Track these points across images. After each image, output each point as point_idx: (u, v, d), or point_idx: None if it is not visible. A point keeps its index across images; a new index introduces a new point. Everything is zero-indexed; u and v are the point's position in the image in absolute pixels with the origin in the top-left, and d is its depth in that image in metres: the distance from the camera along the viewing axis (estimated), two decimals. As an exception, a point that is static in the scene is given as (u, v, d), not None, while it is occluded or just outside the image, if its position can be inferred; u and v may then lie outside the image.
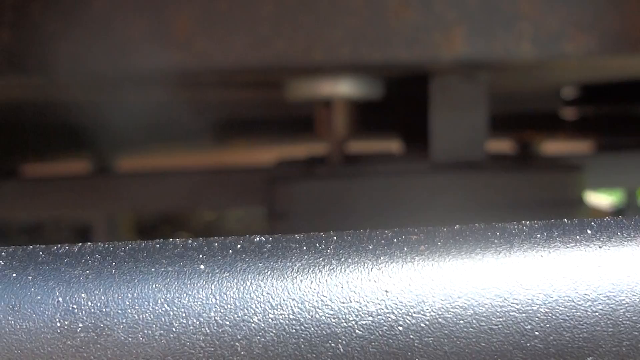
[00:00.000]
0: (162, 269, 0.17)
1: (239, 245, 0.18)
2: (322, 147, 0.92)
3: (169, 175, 1.03)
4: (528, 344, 0.16)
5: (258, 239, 0.18)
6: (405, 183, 0.65)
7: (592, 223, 0.18)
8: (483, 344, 0.16)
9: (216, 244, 0.18)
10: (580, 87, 1.10)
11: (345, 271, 0.17)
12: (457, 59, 0.55)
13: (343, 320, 0.16)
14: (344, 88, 0.67)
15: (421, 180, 0.65)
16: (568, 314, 0.16)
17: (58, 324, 0.16)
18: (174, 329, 0.16)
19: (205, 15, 0.53)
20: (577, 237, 0.17)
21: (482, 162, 0.68)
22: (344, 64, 0.54)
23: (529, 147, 1.34)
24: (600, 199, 1.48)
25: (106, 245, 0.18)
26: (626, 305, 0.15)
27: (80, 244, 0.18)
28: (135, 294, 0.16)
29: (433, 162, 0.68)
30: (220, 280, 0.17)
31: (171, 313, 0.16)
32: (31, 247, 0.18)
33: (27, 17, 0.53)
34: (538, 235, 0.17)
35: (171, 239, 0.18)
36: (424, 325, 0.16)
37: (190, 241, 0.18)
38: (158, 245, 0.18)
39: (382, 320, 0.16)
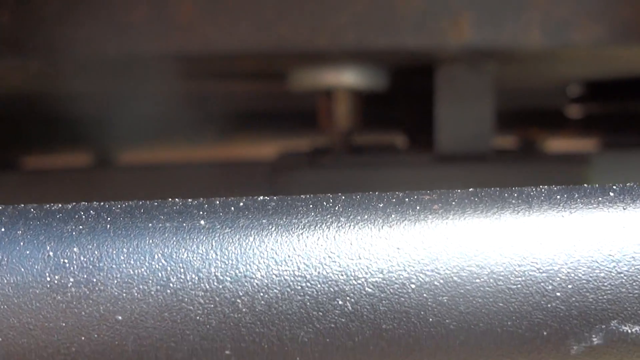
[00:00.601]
0: (160, 225, 0.16)
1: (241, 204, 0.17)
2: (325, 140, 0.91)
3: (170, 169, 1.02)
4: (549, 305, 0.15)
5: (262, 198, 0.17)
6: (409, 174, 0.64)
7: (614, 187, 0.17)
8: (501, 304, 0.15)
9: (217, 202, 0.17)
10: (586, 84, 1.09)
11: (354, 228, 0.16)
12: (465, 46, 0.54)
13: (352, 277, 0.15)
14: (348, 78, 0.66)
15: (426, 172, 0.64)
16: (591, 275, 0.15)
17: (48, 279, 0.15)
18: (171, 285, 0.15)
19: (209, 0, 0.52)
20: (600, 199, 0.16)
21: (488, 155, 0.67)
22: (349, 50, 0.53)
23: (533, 144, 1.33)
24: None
25: (102, 203, 0.17)
26: (652, 267, 0.14)
27: (74, 203, 0.17)
28: (130, 249, 0.15)
29: (438, 153, 0.67)
30: (221, 236, 0.16)
31: (168, 268, 0.15)
32: (22, 205, 0.17)
33: (27, 0, 0.52)
34: (558, 197, 0.16)
35: (170, 199, 0.17)
36: (437, 284, 0.15)
37: (190, 200, 0.17)
38: (156, 204, 0.17)
39: (394, 278, 0.15)
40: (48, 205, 0.17)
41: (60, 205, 0.17)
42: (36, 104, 1.04)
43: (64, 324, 0.14)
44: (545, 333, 0.15)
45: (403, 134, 0.81)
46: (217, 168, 1.01)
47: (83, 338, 0.14)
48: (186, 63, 0.59)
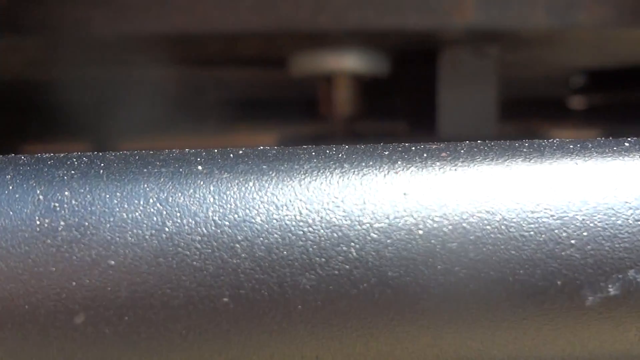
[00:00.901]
0: (155, 170, 0.15)
1: (240, 152, 0.16)
2: (326, 127, 0.90)
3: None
4: (563, 253, 0.14)
5: (262, 147, 0.16)
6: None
7: (630, 139, 0.16)
8: (513, 252, 0.14)
9: (216, 150, 0.16)
10: (589, 74, 1.08)
11: (358, 174, 0.15)
12: (469, 26, 0.53)
13: (356, 223, 0.14)
14: (350, 62, 0.65)
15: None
16: (608, 222, 0.14)
17: (37, 222, 0.14)
18: (166, 229, 0.14)
19: (209, -22, 0.51)
20: (614, 148, 0.15)
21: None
22: (351, 30, 0.52)
23: (535, 134, 1.32)
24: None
25: (95, 153, 0.16)
26: (672, 216, 0.14)
27: (67, 152, 0.16)
28: (124, 193, 0.15)
29: (440, 138, 0.67)
30: (219, 181, 0.15)
31: (164, 212, 0.14)
32: (13, 154, 0.16)
33: (25, -23, 0.52)
34: (571, 147, 0.16)
35: (167, 149, 0.16)
36: (446, 230, 0.14)
37: (187, 149, 0.16)
38: (152, 152, 0.16)
39: (400, 224, 0.14)
40: (39, 154, 0.16)
41: (52, 154, 0.16)
42: (34, 92, 1.03)
43: (53, 269, 0.14)
44: (559, 282, 0.14)
45: (405, 121, 0.81)
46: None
47: (74, 283, 0.14)
48: (186, 46, 0.58)
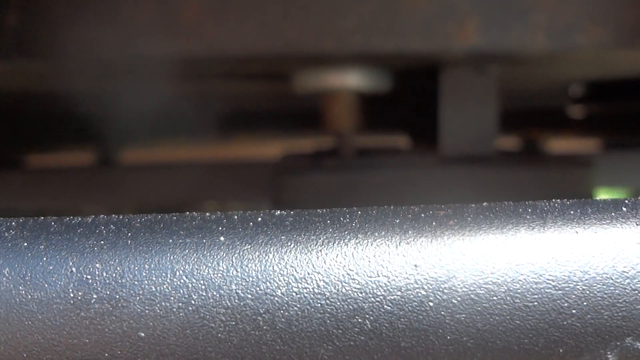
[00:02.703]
0: (180, 241, 0.16)
1: (259, 218, 0.17)
2: (328, 141, 0.91)
3: (173, 168, 1.03)
4: (565, 322, 0.15)
5: (279, 212, 0.17)
6: (413, 176, 0.64)
7: (626, 201, 0.17)
8: (517, 322, 0.15)
9: (236, 217, 0.17)
10: (588, 84, 1.09)
11: (372, 245, 0.16)
12: (470, 50, 0.54)
13: (371, 295, 0.15)
14: (352, 80, 0.66)
15: (430, 174, 0.64)
16: (606, 292, 0.15)
17: (71, 295, 0.15)
18: (192, 302, 0.15)
19: (215, 2, 0.52)
20: (613, 214, 0.16)
21: (491, 157, 0.68)
22: (355, 54, 0.53)
23: (535, 144, 1.33)
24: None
25: (121, 217, 0.17)
26: (666, 284, 0.15)
27: (93, 215, 0.17)
28: (152, 265, 0.16)
29: (442, 155, 0.68)
30: (241, 253, 0.16)
31: (190, 285, 0.15)
32: (42, 217, 0.17)
33: (35, 1, 0.52)
34: (572, 212, 0.17)
35: (188, 212, 0.17)
36: (455, 302, 0.15)
37: (208, 214, 0.17)
38: (175, 218, 0.17)
39: (412, 296, 0.15)
40: (68, 219, 0.17)
41: (80, 218, 0.17)
42: (39, 102, 1.04)
43: (87, 340, 0.15)
44: (561, 350, 0.15)
45: (407, 136, 0.82)
46: (220, 168, 1.01)
47: (106, 354, 0.15)
48: (191, 64, 0.59)
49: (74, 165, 1.08)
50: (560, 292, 0.15)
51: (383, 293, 0.15)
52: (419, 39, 0.53)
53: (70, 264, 0.16)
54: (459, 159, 0.67)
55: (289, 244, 0.16)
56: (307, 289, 0.15)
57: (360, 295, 0.15)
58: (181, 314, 0.15)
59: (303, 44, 0.53)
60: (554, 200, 0.17)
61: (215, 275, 0.15)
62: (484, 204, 0.17)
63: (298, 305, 0.15)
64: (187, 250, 0.16)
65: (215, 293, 0.15)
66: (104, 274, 0.15)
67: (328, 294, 0.15)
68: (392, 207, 0.17)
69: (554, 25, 0.54)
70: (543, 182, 0.65)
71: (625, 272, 0.15)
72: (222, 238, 0.16)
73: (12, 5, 0.54)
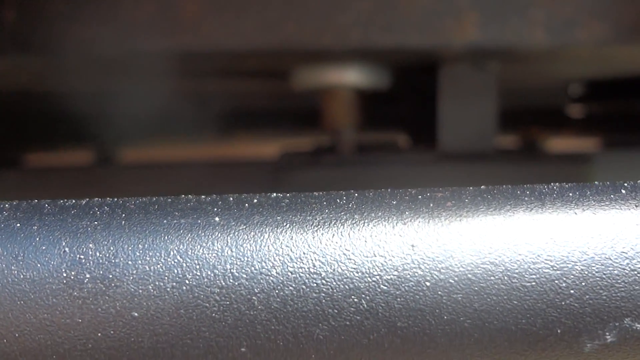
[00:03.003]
0: (175, 221, 0.16)
1: (255, 200, 0.17)
2: (327, 139, 0.91)
3: (172, 167, 1.02)
4: (563, 303, 0.15)
5: (275, 195, 0.17)
6: (412, 173, 0.64)
7: (626, 184, 0.17)
8: (515, 302, 0.15)
9: (231, 199, 0.17)
10: (587, 83, 1.09)
11: (368, 225, 0.16)
12: (469, 45, 0.54)
13: (367, 275, 0.15)
14: (351, 76, 0.66)
15: (428, 170, 0.64)
16: (605, 272, 0.15)
17: (64, 275, 0.15)
18: (186, 281, 0.15)
19: (214, -2, 0.52)
20: (612, 196, 0.16)
21: (490, 153, 0.68)
22: (354, 49, 0.53)
23: (534, 143, 1.33)
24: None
25: (115, 199, 0.17)
26: (666, 265, 0.14)
27: (87, 198, 0.17)
28: (146, 245, 0.15)
29: (441, 152, 0.68)
30: (236, 233, 0.16)
31: (184, 265, 0.15)
32: (36, 200, 0.17)
33: (32, -3, 0.52)
34: (570, 195, 0.16)
35: (183, 195, 0.17)
36: (452, 281, 0.15)
37: (203, 196, 0.17)
38: (170, 200, 0.17)
39: (409, 275, 0.15)
40: (62, 201, 0.17)
41: (74, 201, 0.17)
42: (38, 101, 1.04)
43: (80, 320, 0.14)
44: (559, 331, 0.15)
45: (406, 132, 0.82)
46: (220, 166, 1.01)
47: (99, 334, 0.14)
48: (190, 61, 0.59)
49: (73, 164, 1.08)
50: (558, 272, 0.15)
51: (379, 273, 0.15)
52: (418, 34, 0.53)
53: (64, 244, 0.15)
54: (457, 156, 0.67)
55: (285, 224, 0.16)
56: (303, 269, 0.15)
57: (356, 274, 0.15)
58: (175, 294, 0.15)
59: (301, 39, 0.53)
60: (552, 184, 0.17)
61: (210, 255, 0.15)
62: (482, 187, 0.17)
63: (293, 285, 0.15)
64: (181, 231, 0.16)
65: (209, 273, 0.15)
66: (97, 254, 0.15)
67: (324, 273, 0.15)
68: (389, 190, 0.17)
69: (553, 20, 0.54)
70: (542, 180, 0.65)
71: (624, 252, 0.15)
72: (217, 219, 0.16)
73: (10, 1, 0.54)
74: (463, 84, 0.66)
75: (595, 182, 0.17)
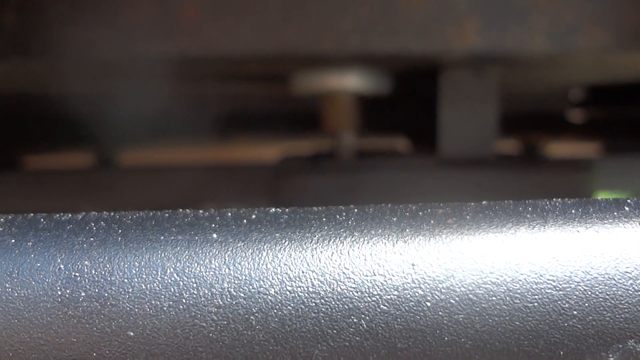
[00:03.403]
0: (172, 238, 0.16)
1: (253, 216, 0.16)
2: (327, 143, 0.91)
3: (172, 170, 1.02)
4: (565, 324, 0.14)
5: (274, 210, 0.17)
6: (413, 178, 0.64)
7: (629, 201, 0.17)
8: (517, 323, 0.14)
9: (229, 214, 0.16)
10: (588, 88, 1.09)
11: (368, 243, 0.15)
12: (469, 51, 0.53)
13: (366, 295, 0.15)
14: (351, 81, 0.66)
15: (429, 176, 0.63)
16: (608, 293, 0.15)
17: (59, 293, 0.15)
18: (183, 300, 0.15)
19: (213, 2, 0.52)
20: (615, 213, 0.16)
21: (491, 159, 0.67)
22: (353, 54, 0.53)
23: (535, 148, 1.33)
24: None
25: (112, 214, 0.17)
26: (670, 285, 0.14)
27: (83, 212, 0.17)
28: (142, 263, 0.15)
29: (441, 158, 0.67)
30: (234, 250, 0.15)
31: (181, 283, 0.15)
32: (32, 214, 0.17)
33: (33, 0, 0.52)
34: (573, 212, 0.16)
35: (180, 210, 0.17)
36: (453, 302, 0.15)
37: (201, 211, 0.17)
38: (167, 215, 0.17)
39: (409, 295, 0.15)
40: (58, 215, 0.16)
41: (70, 215, 0.16)
42: (38, 103, 1.04)
43: (75, 340, 0.14)
44: (561, 352, 0.14)
45: (406, 138, 0.81)
46: (219, 170, 1.01)
47: (94, 354, 0.14)
48: (189, 65, 0.59)
49: (72, 167, 1.08)
50: (561, 292, 0.15)
51: (379, 292, 0.15)
52: (418, 40, 0.53)
53: (59, 260, 0.15)
54: (458, 162, 0.67)
55: (283, 241, 0.15)
56: (301, 288, 0.15)
57: (355, 294, 0.15)
58: (172, 313, 0.15)
59: (301, 45, 0.53)
60: (554, 199, 0.17)
61: (207, 273, 0.15)
62: (484, 202, 0.17)
63: (292, 305, 0.15)
64: (178, 248, 0.15)
65: (206, 291, 0.15)
66: (93, 272, 0.15)
67: (323, 293, 0.15)
68: (389, 205, 0.17)
69: (554, 27, 0.54)
70: (543, 186, 0.65)
71: (627, 272, 0.15)
72: (214, 235, 0.16)
73: (10, 4, 0.54)
74: (463, 90, 0.66)
75: (598, 198, 0.17)
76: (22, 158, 1.13)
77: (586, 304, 0.15)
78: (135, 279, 0.15)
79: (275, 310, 0.15)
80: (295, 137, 1.13)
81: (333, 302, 0.15)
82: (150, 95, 0.96)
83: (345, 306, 0.15)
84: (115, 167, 1.09)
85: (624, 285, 0.15)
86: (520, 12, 0.53)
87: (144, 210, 0.17)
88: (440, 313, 0.14)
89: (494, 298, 0.15)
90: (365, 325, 0.14)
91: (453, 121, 0.66)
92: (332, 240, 0.15)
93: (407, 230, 0.16)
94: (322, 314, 0.14)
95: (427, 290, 0.15)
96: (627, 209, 0.16)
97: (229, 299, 0.15)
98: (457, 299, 0.15)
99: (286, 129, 1.14)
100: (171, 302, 0.15)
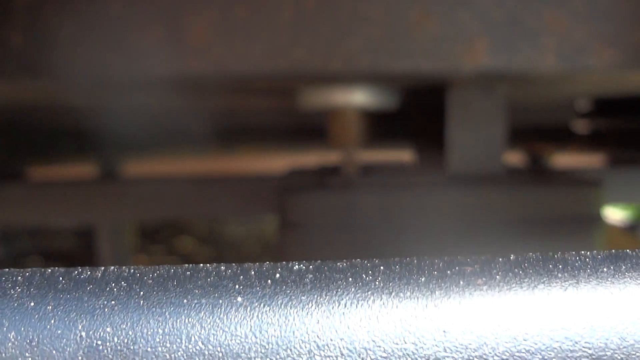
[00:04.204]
0: (195, 301, 0.15)
1: (277, 275, 0.16)
2: (334, 156, 0.91)
3: (176, 182, 1.02)
4: (603, 395, 0.14)
5: (297, 267, 0.16)
6: (421, 195, 0.63)
7: (662, 256, 0.16)
8: (553, 394, 0.14)
9: (252, 272, 0.16)
10: (595, 100, 1.09)
11: (397, 308, 0.15)
12: (479, 70, 0.53)
13: (398, 364, 0.14)
14: (359, 97, 0.66)
15: (437, 193, 0.63)
16: (646, 362, 0.14)
17: (81, 363, 0.14)
18: (210, 371, 0.14)
19: (223, 22, 0.52)
20: (648, 272, 0.16)
21: (499, 175, 0.67)
22: (363, 74, 0.53)
23: (540, 159, 1.33)
24: (613, 214, 1.46)
25: (132, 270, 0.16)
26: None
27: (102, 268, 0.16)
28: (166, 330, 0.15)
29: (449, 174, 0.67)
30: (260, 316, 0.15)
31: (206, 353, 0.14)
32: (50, 270, 0.16)
33: (39, 20, 0.52)
34: (605, 270, 0.16)
35: (202, 265, 0.16)
36: (487, 371, 0.14)
37: (223, 268, 0.16)
38: (189, 273, 0.16)
39: (441, 365, 0.14)
40: (76, 272, 0.16)
41: (89, 272, 0.16)
42: (42, 115, 1.04)
43: (98, 413, 0.14)
44: None
45: (413, 153, 0.81)
46: (224, 183, 1.01)
47: None
48: (197, 84, 0.59)
49: (76, 178, 1.08)
50: (597, 361, 0.14)
51: (411, 362, 0.14)
52: (428, 59, 0.52)
53: (80, 327, 0.15)
54: (467, 178, 0.66)
55: (310, 305, 0.15)
56: (330, 357, 0.14)
57: (386, 364, 0.14)
58: (198, 385, 0.14)
59: (310, 64, 0.52)
60: (584, 253, 0.16)
61: (233, 342, 0.15)
62: (511, 257, 0.16)
63: (321, 376, 0.14)
64: (202, 313, 0.15)
65: (233, 362, 0.14)
66: (115, 340, 0.14)
67: (352, 363, 0.14)
68: (415, 261, 0.16)
69: (565, 46, 0.54)
70: (553, 201, 0.64)
71: (664, 338, 0.15)
72: (239, 299, 0.15)
73: (16, 23, 0.54)
74: (472, 107, 0.66)
75: (628, 251, 0.17)
76: (26, 169, 1.13)
77: (623, 372, 0.14)
78: (159, 348, 0.14)
79: (304, 382, 0.14)
80: (302, 149, 1.12)
81: (363, 373, 0.14)
82: (155, 106, 0.96)
83: (376, 377, 0.14)
84: (119, 178, 1.09)
85: (662, 353, 0.14)
86: (531, 31, 0.53)
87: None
88: (473, 384, 0.14)
89: (528, 368, 0.14)
90: (396, 397, 0.14)
91: (462, 138, 0.66)
92: (361, 304, 0.15)
93: (437, 292, 0.15)
94: (352, 386, 0.14)
95: (459, 359, 0.14)
96: (660, 266, 0.16)
97: (256, 370, 0.14)
98: (490, 368, 0.14)
99: (293, 142, 1.14)
100: (197, 373, 0.14)
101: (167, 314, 0.15)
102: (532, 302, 0.15)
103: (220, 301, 0.15)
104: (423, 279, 0.16)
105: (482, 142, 0.67)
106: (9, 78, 0.53)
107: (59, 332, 0.14)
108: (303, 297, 0.15)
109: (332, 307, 0.15)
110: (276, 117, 1.02)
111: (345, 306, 0.15)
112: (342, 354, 0.14)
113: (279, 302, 0.15)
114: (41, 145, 1.17)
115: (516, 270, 0.16)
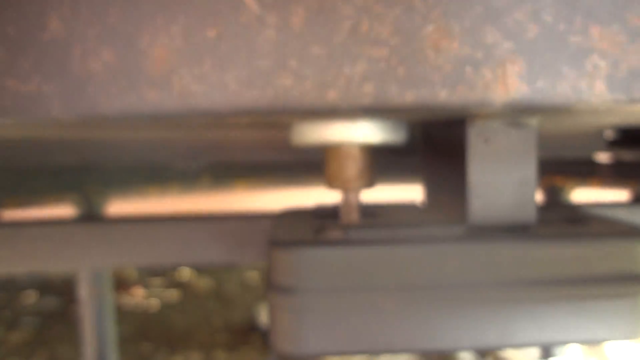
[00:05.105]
0: None
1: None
2: (332, 196, 0.79)
3: (163, 223, 0.91)
4: None
5: None
6: (436, 251, 0.51)
7: None
8: None
9: None
10: (618, 130, 0.97)
11: None
12: (512, 102, 0.42)
13: None
14: (360, 132, 0.54)
15: (456, 249, 0.51)
16: None
17: None
18: None
19: (188, 45, 0.41)
20: None
21: (531, 226, 0.55)
22: (365, 107, 0.41)
23: (559, 193, 1.21)
24: None
25: None
26: None
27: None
28: None
29: (470, 225, 0.55)
30: None
31: None
32: None
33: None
34: None
35: None
36: None
37: None
38: None
39: None
40: None
41: None
42: (14, 151, 0.93)
43: None
44: None
45: (425, 196, 0.69)
46: (214, 222, 0.89)
47: None
48: (159, 120, 0.48)
49: (53, 219, 0.97)
50: None
51: None
52: (448, 88, 0.41)
53: None
54: (492, 229, 0.55)
55: None
56: None
57: None
58: None
59: (300, 96, 0.41)
60: None
61: None
62: None
63: None
64: None
65: None
66: None
67: None
68: None
69: (617, 71, 0.42)
70: (590, 258, 0.52)
71: None
72: None
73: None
74: (497, 143, 0.54)
75: None
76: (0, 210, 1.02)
77: None
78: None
79: None
80: (297, 185, 1.01)
81: None
82: (137, 141, 0.84)
83: None
84: (100, 219, 0.97)
85: None
86: (575, 54, 0.42)
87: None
88: None
89: None
90: None
91: (485, 179, 0.55)
92: None
93: None
94: None
95: None
96: None
97: None
98: None
99: (290, 177, 1.02)
100: None
101: None
102: None
103: None
104: None
105: (511, 186, 0.55)
106: None
107: None
108: None
109: None
110: (270, 151, 0.91)
111: None
112: None
113: None
114: (14, 183, 1.06)
115: None
